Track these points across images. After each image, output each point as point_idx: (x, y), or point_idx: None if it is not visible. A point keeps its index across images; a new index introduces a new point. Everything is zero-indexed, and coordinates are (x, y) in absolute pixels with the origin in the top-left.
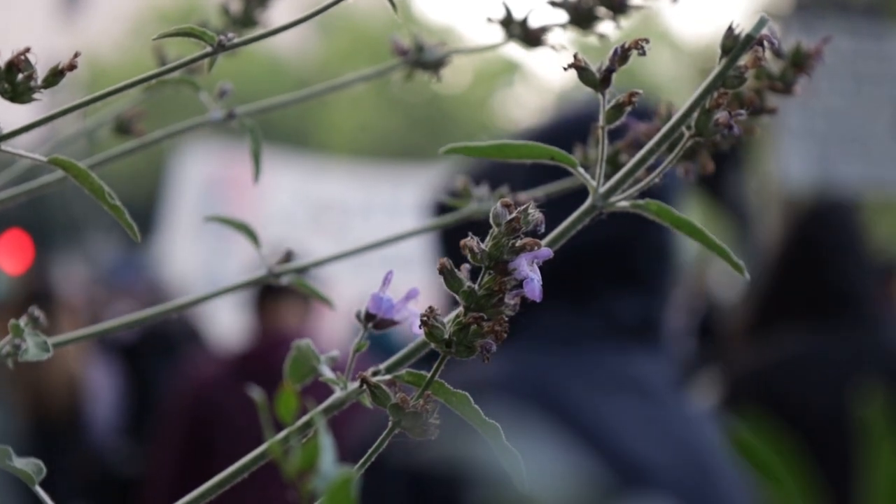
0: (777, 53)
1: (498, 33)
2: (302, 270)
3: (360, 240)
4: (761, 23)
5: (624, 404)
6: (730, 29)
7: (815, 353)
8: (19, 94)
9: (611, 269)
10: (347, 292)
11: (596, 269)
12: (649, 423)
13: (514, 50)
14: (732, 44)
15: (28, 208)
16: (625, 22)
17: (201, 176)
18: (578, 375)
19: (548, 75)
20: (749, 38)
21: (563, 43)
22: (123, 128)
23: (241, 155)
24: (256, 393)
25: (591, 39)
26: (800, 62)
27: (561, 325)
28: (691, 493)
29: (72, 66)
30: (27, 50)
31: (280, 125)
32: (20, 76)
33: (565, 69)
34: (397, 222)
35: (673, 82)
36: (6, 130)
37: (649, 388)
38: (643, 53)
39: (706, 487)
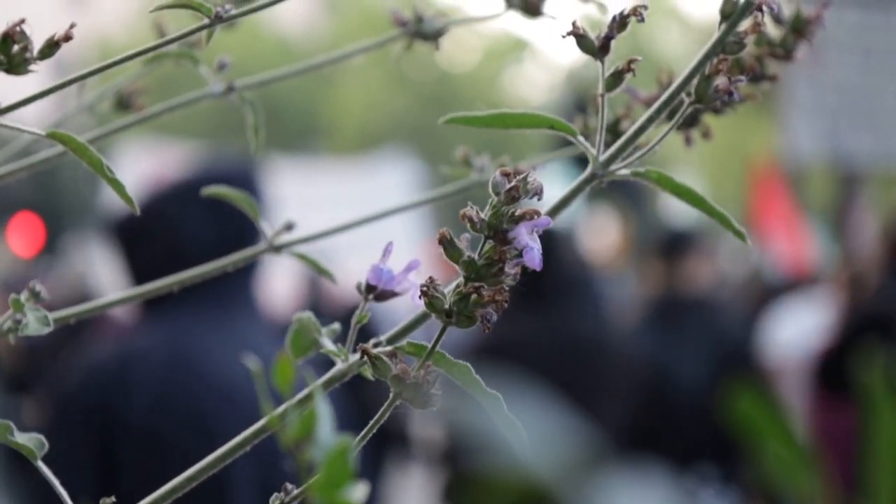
0: (778, 20)
1: (499, 4)
2: (300, 243)
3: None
4: None
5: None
6: None
7: None
8: (15, 66)
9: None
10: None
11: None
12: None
13: (523, 27)
14: (731, 9)
15: (39, 191)
16: None
17: (135, 173)
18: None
19: (557, 53)
20: (748, 3)
21: (564, 13)
22: (124, 103)
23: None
24: (252, 362)
25: (593, 11)
26: (800, 28)
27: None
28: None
29: (67, 38)
30: (22, 21)
31: (289, 105)
32: (15, 47)
33: (564, 37)
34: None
35: (681, 58)
36: (5, 105)
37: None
38: (642, 20)
39: None
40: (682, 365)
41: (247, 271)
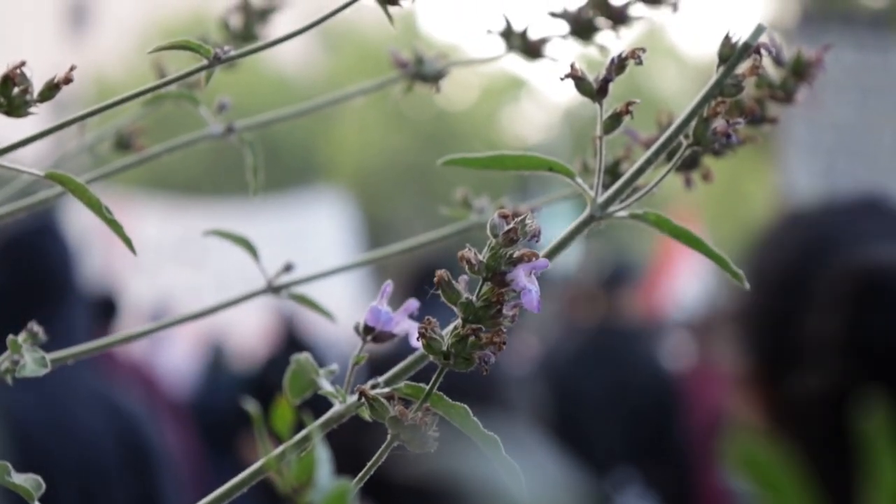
0: (778, 62)
1: (499, 46)
2: (299, 284)
3: (220, 270)
4: (758, 31)
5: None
6: (727, 37)
7: None
8: (15, 108)
9: None
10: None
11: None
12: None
13: (520, 65)
14: (730, 52)
15: None
16: (630, 36)
17: (92, 226)
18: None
19: (554, 92)
20: (746, 46)
21: (565, 55)
22: (124, 143)
23: (116, 199)
24: (251, 406)
25: (593, 52)
26: (801, 71)
27: None
28: None
29: (68, 80)
30: (22, 64)
31: (287, 143)
32: (16, 90)
33: (562, 79)
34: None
35: (679, 97)
36: (4, 145)
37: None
38: (640, 63)
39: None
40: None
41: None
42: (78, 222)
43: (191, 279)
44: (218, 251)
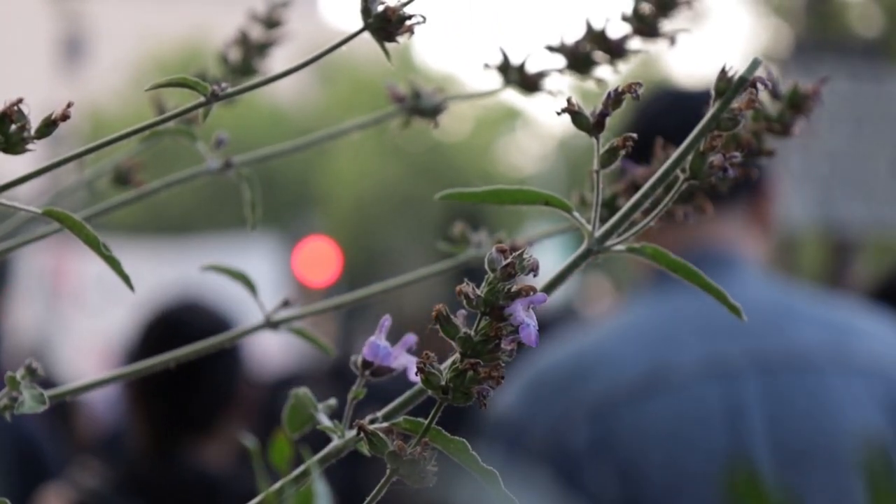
0: (775, 95)
1: (496, 80)
2: (297, 319)
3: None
4: (754, 65)
5: None
6: (723, 71)
7: None
8: (13, 145)
9: None
10: None
11: None
12: None
13: (515, 97)
14: (726, 86)
15: None
16: (624, 67)
17: (35, 262)
18: None
19: (549, 122)
20: (742, 80)
21: (561, 88)
22: (122, 178)
23: (63, 246)
24: (248, 440)
25: (590, 85)
26: (798, 103)
27: None
28: None
29: (65, 117)
30: (20, 101)
31: (283, 175)
32: (13, 127)
33: (559, 114)
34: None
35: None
36: (2, 182)
37: None
38: (637, 97)
39: None
40: None
41: None
42: (27, 265)
43: (134, 316)
44: (160, 291)
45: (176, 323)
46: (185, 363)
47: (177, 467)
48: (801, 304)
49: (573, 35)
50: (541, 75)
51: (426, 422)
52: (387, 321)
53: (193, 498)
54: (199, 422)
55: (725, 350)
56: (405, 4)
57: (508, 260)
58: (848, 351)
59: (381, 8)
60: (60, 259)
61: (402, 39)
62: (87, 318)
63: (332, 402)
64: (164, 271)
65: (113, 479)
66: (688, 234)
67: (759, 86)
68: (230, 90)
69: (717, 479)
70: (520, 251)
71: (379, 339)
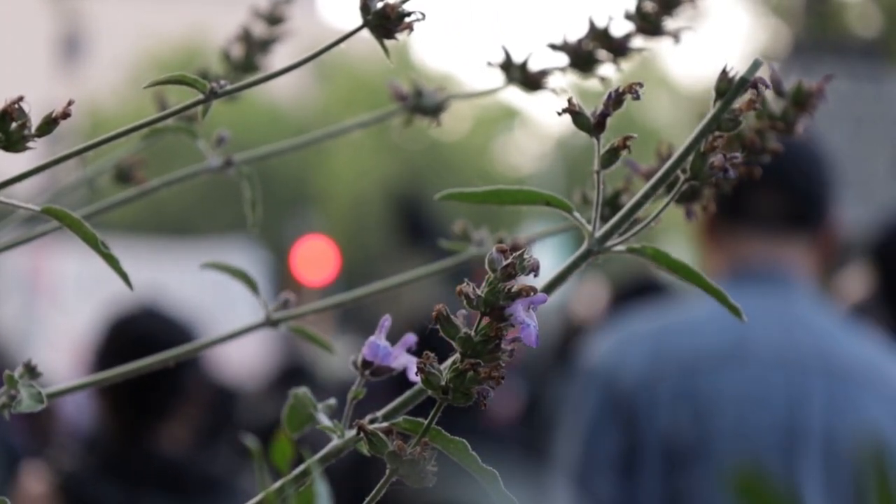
0: (778, 93)
1: (498, 78)
2: (296, 318)
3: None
4: (755, 66)
5: None
6: (724, 72)
7: None
8: (13, 143)
9: None
10: None
11: None
12: None
13: (514, 96)
14: (727, 87)
15: None
16: (624, 65)
17: (19, 263)
18: None
19: (547, 121)
20: (743, 80)
21: (563, 86)
22: (123, 176)
23: (41, 245)
24: (250, 441)
25: (592, 83)
26: (801, 101)
27: None
28: None
29: (65, 115)
30: (20, 99)
31: (281, 173)
32: (14, 125)
33: (559, 114)
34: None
35: (672, 126)
36: (1, 180)
37: None
38: (637, 97)
39: None
40: None
41: None
42: (7, 264)
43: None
44: (134, 290)
45: (142, 330)
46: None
47: (140, 450)
48: (841, 329)
49: (576, 33)
50: (543, 73)
51: (426, 422)
52: (387, 321)
53: (155, 476)
54: (157, 410)
55: (796, 344)
56: (404, 1)
57: (509, 260)
58: (880, 376)
59: (379, 5)
60: (39, 257)
61: (400, 37)
62: (63, 317)
63: (332, 402)
64: (141, 274)
65: (86, 461)
66: (754, 252)
67: (761, 86)
68: (228, 87)
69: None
70: (520, 251)
71: (378, 339)
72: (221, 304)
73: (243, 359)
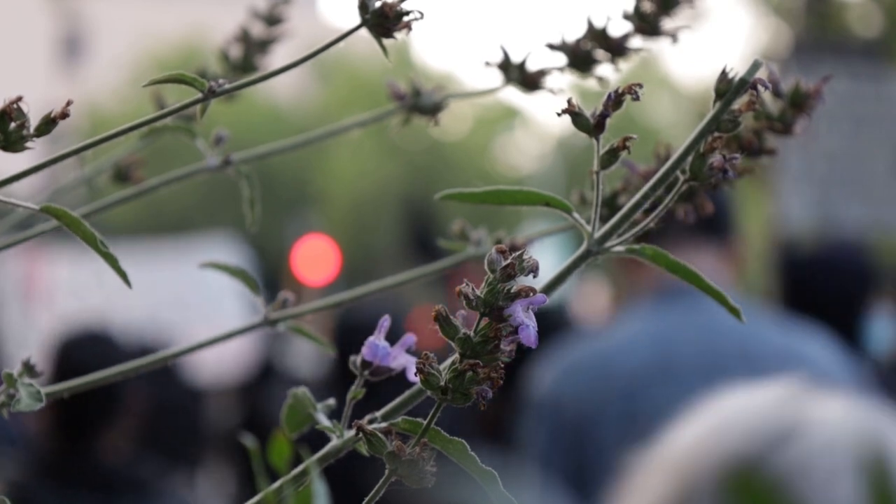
0: (777, 94)
1: (496, 78)
2: (295, 317)
3: (126, 313)
4: (754, 66)
5: None
6: (723, 73)
7: None
8: (12, 143)
9: None
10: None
11: None
12: None
13: (514, 96)
14: (726, 87)
15: None
16: (624, 66)
17: (12, 266)
18: None
19: (547, 121)
20: (742, 81)
21: (562, 86)
22: (122, 175)
23: (35, 249)
24: (248, 440)
25: (591, 83)
26: (799, 102)
27: None
28: None
29: (64, 115)
30: (19, 98)
31: (281, 173)
32: (12, 125)
33: (559, 115)
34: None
35: (672, 126)
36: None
37: None
38: (637, 98)
39: None
40: None
41: None
42: (2, 268)
43: (101, 319)
44: (128, 293)
45: (86, 357)
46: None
47: (78, 458)
48: (758, 322)
49: (574, 33)
50: (542, 73)
51: (425, 422)
52: (386, 321)
53: (91, 483)
54: (96, 422)
55: (717, 349)
56: (402, 1)
57: (508, 261)
58: (795, 357)
59: (378, 4)
60: (33, 262)
61: (399, 36)
62: (56, 322)
63: (331, 401)
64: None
65: (27, 469)
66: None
67: (760, 87)
68: (227, 86)
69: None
70: (519, 252)
71: (378, 339)
72: (203, 303)
73: (239, 356)
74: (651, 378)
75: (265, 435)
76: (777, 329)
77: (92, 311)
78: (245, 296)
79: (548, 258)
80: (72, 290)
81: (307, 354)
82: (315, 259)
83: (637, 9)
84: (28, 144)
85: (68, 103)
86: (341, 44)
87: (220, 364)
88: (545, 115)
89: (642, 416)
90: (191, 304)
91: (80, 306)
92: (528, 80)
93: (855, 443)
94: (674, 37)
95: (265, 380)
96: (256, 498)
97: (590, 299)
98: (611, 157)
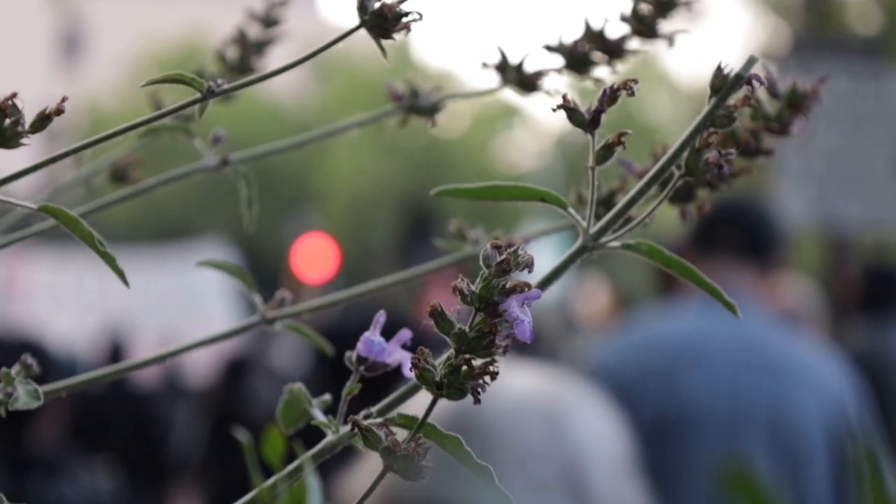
0: (774, 94)
1: (494, 78)
2: (293, 316)
3: (107, 315)
4: (750, 62)
5: None
6: (719, 68)
7: None
8: (7, 140)
9: None
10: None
11: None
12: None
13: (513, 94)
14: (721, 83)
15: None
16: (622, 65)
17: None
18: None
19: (547, 119)
20: (738, 77)
21: (559, 87)
22: (119, 175)
23: (16, 254)
24: (242, 435)
25: (588, 84)
26: (796, 102)
27: None
28: None
29: (59, 111)
30: (14, 95)
31: (280, 171)
32: (7, 121)
33: (554, 110)
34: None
35: (671, 124)
36: None
37: None
38: (632, 94)
39: None
40: None
41: None
42: None
43: (80, 323)
44: (107, 298)
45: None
46: None
47: (17, 444)
48: (781, 336)
49: (571, 35)
50: (539, 75)
51: (420, 417)
52: (381, 317)
53: (29, 465)
54: (27, 413)
55: (747, 349)
56: (402, 1)
57: (503, 256)
58: (812, 373)
59: (377, 5)
60: (13, 267)
61: (398, 36)
62: (36, 327)
63: (327, 397)
64: (110, 280)
65: None
66: (716, 276)
67: (756, 83)
68: (226, 86)
69: (711, 472)
70: (515, 248)
71: (373, 335)
72: (194, 307)
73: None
74: (687, 362)
75: (253, 430)
76: (792, 338)
77: (72, 318)
78: (231, 300)
79: (546, 257)
80: (52, 293)
81: (287, 351)
82: (314, 257)
83: (634, 11)
84: (23, 141)
85: (63, 100)
86: (340, 44)
87: (207, 365)
88: (544, 113)
89: (676, 392)
90: (172, 309)
91: (61, 313)
92: (526, 82)
93: (537, 401)
94: (671, 39)
95: (243, 377)
96: (251, 494)
97: (589, 298)
98: (606, 152)
